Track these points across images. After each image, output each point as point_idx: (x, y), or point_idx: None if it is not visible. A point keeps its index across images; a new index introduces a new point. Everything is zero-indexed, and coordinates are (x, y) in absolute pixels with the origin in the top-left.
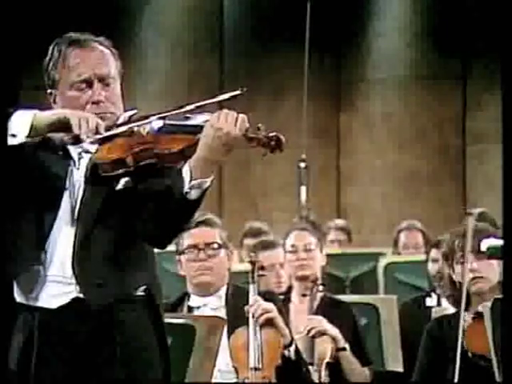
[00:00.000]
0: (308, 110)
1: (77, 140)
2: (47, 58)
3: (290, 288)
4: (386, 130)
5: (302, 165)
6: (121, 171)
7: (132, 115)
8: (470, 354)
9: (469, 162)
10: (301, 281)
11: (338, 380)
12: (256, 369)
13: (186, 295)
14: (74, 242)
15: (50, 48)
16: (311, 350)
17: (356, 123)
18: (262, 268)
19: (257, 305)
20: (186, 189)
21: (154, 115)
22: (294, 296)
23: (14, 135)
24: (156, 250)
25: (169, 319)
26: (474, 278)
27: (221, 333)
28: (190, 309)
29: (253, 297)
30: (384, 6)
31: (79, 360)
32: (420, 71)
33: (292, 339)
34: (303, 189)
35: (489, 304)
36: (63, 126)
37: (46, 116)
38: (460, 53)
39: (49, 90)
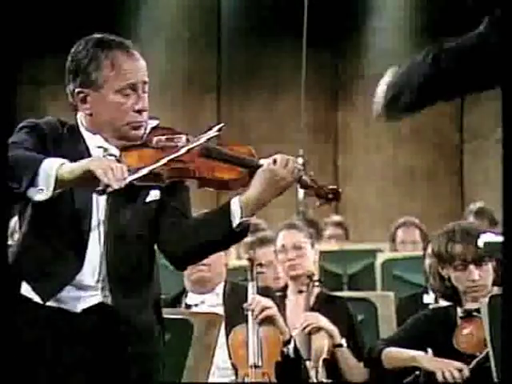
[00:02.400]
0: (306, 106)
1: (106, 189)
2: (85, 57)
3: (287, 284)
4: (383, 125)
5: (300, 161)
6: (150, 183)
7: (155, 127)
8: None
9: (466, 157)
10: (294, 280)
11: (334, 376)
12: (256, 366)
13: (183, 292)
14: (105, 249)
15: (85, 46)
16: (308, 347)
17: (353, 119)
18: (260, 265)
19: (256, 302)
20: (235, 225)
21: (179, 134)
22: (291, 292)
23: (41, 190)
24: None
25: (166, 315)
26: (473, 286)
27: (218, 329)
28: (188, 306)
29: (251, 294)
30: (381, 1)
31: (97, 361)
32: None
33: (291, 336)
34: None
35: (486, 300)
36: (89, 178)
37: (69, 171)
38: None
39: (78, 89)
